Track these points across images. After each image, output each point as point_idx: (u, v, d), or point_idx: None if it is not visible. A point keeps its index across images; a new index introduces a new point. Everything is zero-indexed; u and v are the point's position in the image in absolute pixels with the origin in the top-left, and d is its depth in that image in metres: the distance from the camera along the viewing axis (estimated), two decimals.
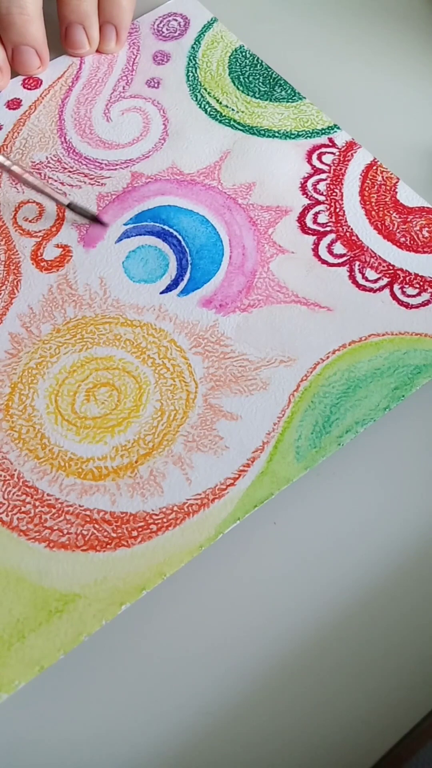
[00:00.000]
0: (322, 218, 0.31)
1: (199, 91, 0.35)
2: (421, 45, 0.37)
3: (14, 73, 0.35)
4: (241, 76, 0.35)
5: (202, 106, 0.34)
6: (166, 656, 0.23)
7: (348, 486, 0.26)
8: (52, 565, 0.23)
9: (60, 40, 0.35)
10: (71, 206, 0.30)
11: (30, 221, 0.31)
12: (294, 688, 0.23)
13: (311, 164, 0.32)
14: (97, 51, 0.36)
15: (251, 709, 0.22)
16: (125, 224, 0.31)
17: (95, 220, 0.30)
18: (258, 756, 0.22)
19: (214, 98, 0.34)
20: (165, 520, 0.24)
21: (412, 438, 0.27)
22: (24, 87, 0.35)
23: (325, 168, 0.32)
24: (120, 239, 0.30)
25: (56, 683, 0.23)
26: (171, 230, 0.30)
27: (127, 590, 0.23)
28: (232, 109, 0.34)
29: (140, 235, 0.30)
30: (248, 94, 0.34)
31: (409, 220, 0.31)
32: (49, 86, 0.35)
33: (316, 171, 0.32)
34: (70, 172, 0.32)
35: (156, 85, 0.35)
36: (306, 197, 0.31)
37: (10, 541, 0.24)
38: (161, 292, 0.29)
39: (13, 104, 0.34)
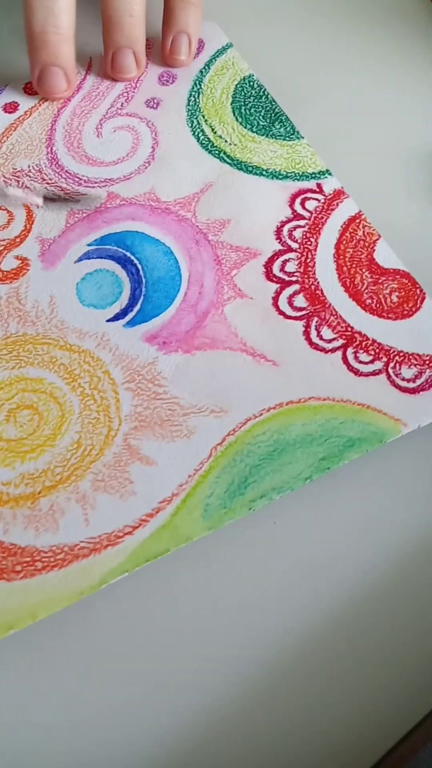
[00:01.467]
0: (290, 267, 0.29)
1: (196, 117, 0.34)
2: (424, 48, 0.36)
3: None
4: (243, 107, 0.34)
5: (196, 133, 0.33)
6: (166, 656, 0.23)
7: (347, 486, 0.25)
8: None
9: (103, 64, 0.35)
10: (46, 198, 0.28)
11: None
12: (294, 689, 0.23)
13: (293, 209, 0.31)
14: (168, 65, 0.35)
15: (251, 710, 0.22)
16: (89, 245, 0.30)
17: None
18: (258, 756, 0.22)
19: (210, 126, 0.33)
20: (53, 559, 0.23)
21: (411, 438, 0.26)
22: (24, 92, 0.35)
23: (306, 215, 0.31)
24: (80, 259, 0.30)
25: (56, 682, 0.23)
26: (132, 258, 0.30)
27: None
28: (225, 141, 0.33)
29: (101, 258, 0.30)
30: (245, 127, 0.33)
31: (380, 281, 0.29)
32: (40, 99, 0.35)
33: (296, 217, 0.31)
34: (47, 183, 0.32)
35: (155, 105, 0.34)
36: (279, 242, 0.30)
37: None
38: (108, 320, 0.28)
39: (10, 108, 0.34)
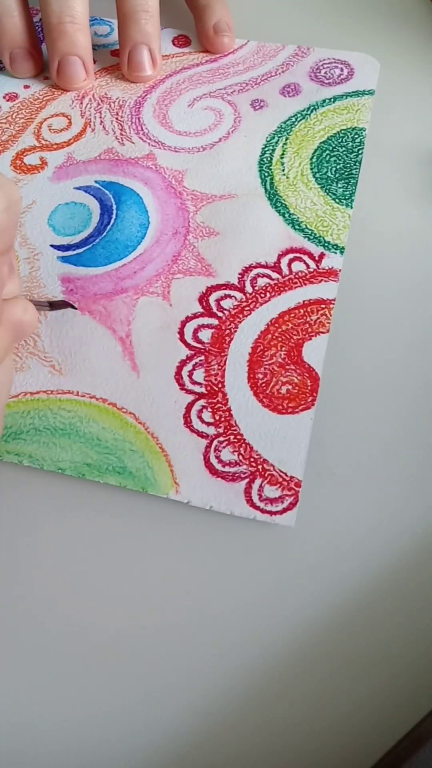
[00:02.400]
0: (227, 303, 0.29)
1: (280, 136, 0.33)
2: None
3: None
4: (328, 153, 0.33)
5: (265, 151, 0.33)
6: (166, 656, 0.23)
7: (347, 486, 0.26)
8: None
9: (120, 62, 0.35)
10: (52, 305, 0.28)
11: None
12: (294, 689, 0.23)
13: (278, 264, 0.30)
14: (208, 51, 0.36)
15: (251, 710, 0.23)
16: (96, 181, 0.32)
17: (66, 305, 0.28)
18: (258, 756, 0.22)
19: (283, 150, 0.33)
20: None
21: (410, 437, 0.26)
22: (173, 44, 0.37)
23: (285, 272, 0.29)
24: (80, 188, 0.32)
25: (53, 682, 0.23)
26: (114, 211, 0.31)
27: None
28: (282, 171, 0.32)
29: (94, 196, 0.31)
30: (311, 169, 0.32)
31: (287, 366, 0.27)
32: (188, 52, 0.36)
33: (275, 269, 0.30)
34: (117, 119, 0.34)
35: (259, 107, 0.34)
36: (238, 282, 0.29)
37: None
38: (51, 245, 0.30)
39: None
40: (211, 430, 0.26)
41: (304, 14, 0.38)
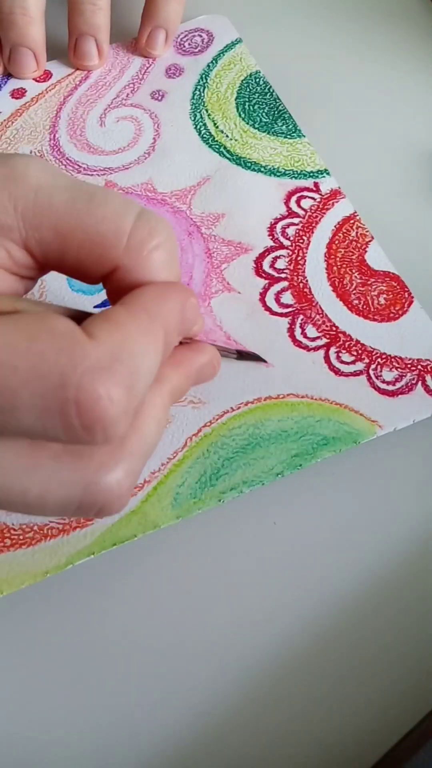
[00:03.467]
0: (281, 264, 0.30)
1: (199, 111, 0.34)
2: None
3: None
4: (247, 103, 0.34)
5: (198, 127, 0.34)
6: (166, 656, 0.23)
7: (346, 485, 0.26)
8: None
9: (68, 51, 0.35)
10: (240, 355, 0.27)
11: None
12: (294, 688, 0.23)
13: (288, 206, 0.31)
14: (143, 55, 0.36)
15: (251, 710, 0.22)
16: None
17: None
18: (258, 756, 0.22)
19: (212, 121, 0.34)
20: (22, 537, 0.24)
21: (409, 436, 0.26)
22: (33, 79, 0.35)
23: (301, 213, 0.31)
24: None
25: (54, 681, 0.23)
26: None
27: None
28: (226, 136, 0.33)
29: None
30: (248, 123, 0.34)
31: (369, 282, 0.29)
32: (57, 81, 0.35)
33: (291, 214, 0.31)
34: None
35: (160, 97, 0.35)
36: (271, 239, 0.30)
37: None
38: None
39: (18, 93, 0.35)
40: (347, 358, 0.27)
41: (304, 14, 0.38)
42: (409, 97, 0.35)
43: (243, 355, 0.27)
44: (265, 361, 0.27)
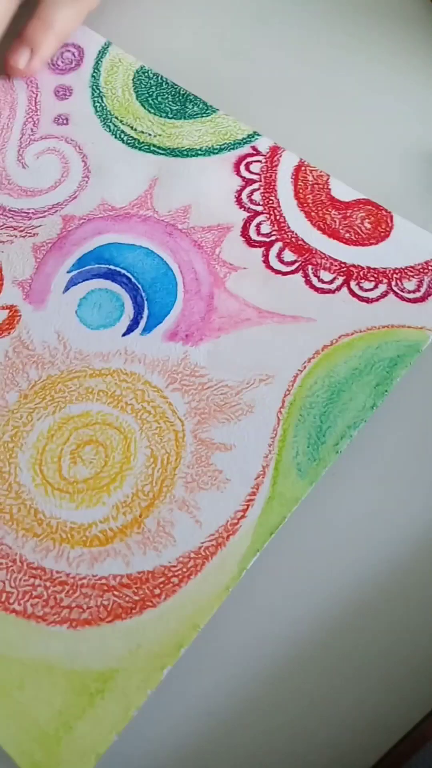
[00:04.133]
0: (265, 228, 0.31)
1: (111, 121, 0.34)
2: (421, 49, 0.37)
3: None
4: (150, 98, 0.34)
5: (118, 135, 0.33)
6: None
7: (346, 485, 0.26)
8: (80, 645, 0.22)
9: None
10: None
11: None
12: (294, 688, 0.23)
13: (240, 176, 0.32)
14: (8, 75, 0.34)
15: (252, 710, 0.22)
16: (69, 271, 0.29)
17: None
18: (258, 756, 0.22)
19: (128, 125, 0.33)
20: (184, 569, 0.23)
21: (407, 435, 0.27)
22: None
23: (255, 177, 0.32)
24: (67, 288, 0.29)
25: None
26: (118, 269, 0.29)
27: (165, 652, 0.22)
28: (149, 134, 0.33)
29: (87, 279, 0.29)
30: (161, 116, 0.34)
31: (348, 214, 0.31)
32: None
33: (247, 182, 0.32)
34: None
35: (65, 121, 0.34)
36: (244, 210, 0.31)
37: (29, 631, 0.22)
38: (123, 335, 0.28)
39: None
40: (369, 286, 0.29)
41: (304, 15, 0.37)
42: (409, 97, 0.35)
43: None
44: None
